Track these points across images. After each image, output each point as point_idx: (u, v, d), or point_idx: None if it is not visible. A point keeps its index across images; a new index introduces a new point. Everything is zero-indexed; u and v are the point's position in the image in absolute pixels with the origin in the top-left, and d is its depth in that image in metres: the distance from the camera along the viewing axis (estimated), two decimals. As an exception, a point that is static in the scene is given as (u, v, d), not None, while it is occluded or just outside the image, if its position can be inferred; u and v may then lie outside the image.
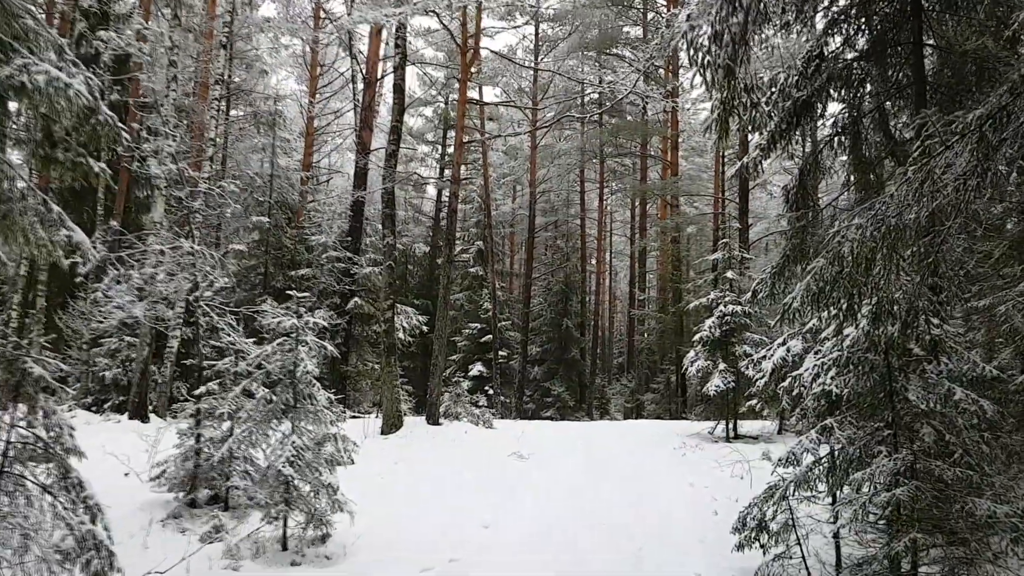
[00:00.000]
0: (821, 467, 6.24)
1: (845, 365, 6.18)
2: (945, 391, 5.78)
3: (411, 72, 36.99)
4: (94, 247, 10.07)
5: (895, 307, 5.43)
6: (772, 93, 8.59)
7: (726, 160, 35.22)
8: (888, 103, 10.55)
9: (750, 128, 7.38)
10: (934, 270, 5.08)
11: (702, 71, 5.98)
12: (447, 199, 23.44)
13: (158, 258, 9.45)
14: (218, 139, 21.83)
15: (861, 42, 9.38)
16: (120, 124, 6.32)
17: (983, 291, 8.74)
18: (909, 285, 5.21)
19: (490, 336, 31.65)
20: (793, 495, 6.37)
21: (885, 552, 5.60)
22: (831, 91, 9.48)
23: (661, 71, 35.02)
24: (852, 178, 10.78)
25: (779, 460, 6.60)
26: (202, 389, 10.18)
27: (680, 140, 37.75)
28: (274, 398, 9.07)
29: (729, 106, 6.21)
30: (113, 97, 20.60)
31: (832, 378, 6.28)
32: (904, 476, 5.62)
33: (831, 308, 5.41)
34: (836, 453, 6.19)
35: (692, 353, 18.04)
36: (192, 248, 9.43)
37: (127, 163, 18.11)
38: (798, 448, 6.44)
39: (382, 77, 27.39)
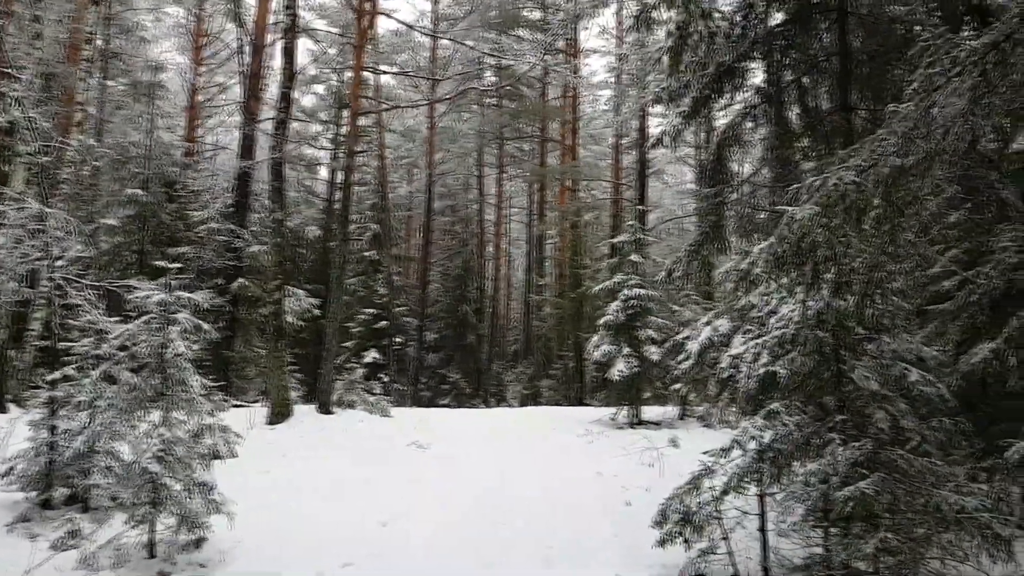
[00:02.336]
0: (767, 456, 5.63)
1: (789, 343, 5.61)
2: (899, 372, 5.29)
3: (303, 47, 35.26)
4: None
5: (853, 276, 4.88)
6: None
7: (623, 148, 35.40)
8: (806, 79, 10.19)
9: (696, 72, 6.72)
10: (894, 236, 4.54)
11: (661, -17, 5.29)
12: (341, 177, 22.24)
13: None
14: (89, 107, 19.90)
15: (788, 5, 8.88)
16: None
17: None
18: (869, 251, 4.65)
19: (385, 322, 30.53)
20: (737, 487, 5.75)
21: (849, 553, 5.04)
22: (754, 57, 8.98)
23: (561, 56, 34.74)
24: (771, 154, 10.38)
25: (720, 449, 5.96)
26: (57, 374, 8.91)
27: (578, 127, 37.57)
28: (139, 383, 7.90)
29: (685, 32, 5.54)
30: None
31: (773, 358, 5.70)
32: (864, 467, 5.08)
33: (792, 274, 4.81)
34: (777, 440, 5.59)
35: (596, 338, 17.61)
36: (41, 210, 8.11)
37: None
38: (742, 435, 5.82)
39: (271, 43, 25.75)
